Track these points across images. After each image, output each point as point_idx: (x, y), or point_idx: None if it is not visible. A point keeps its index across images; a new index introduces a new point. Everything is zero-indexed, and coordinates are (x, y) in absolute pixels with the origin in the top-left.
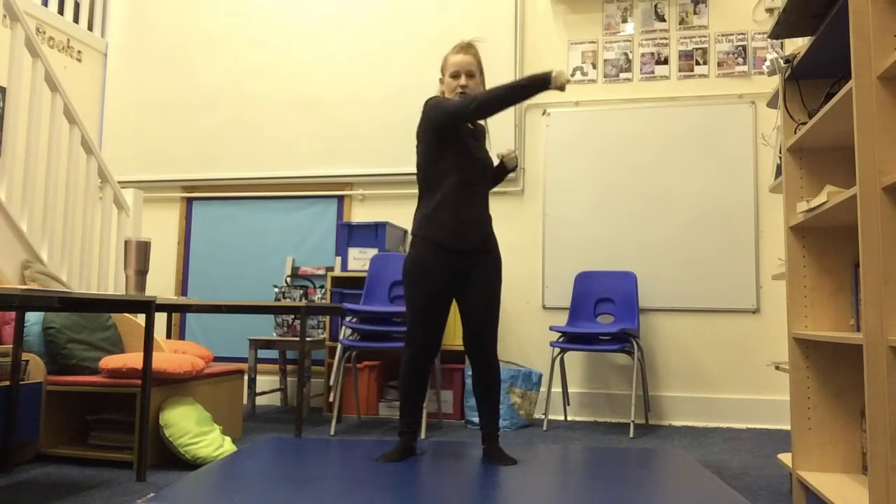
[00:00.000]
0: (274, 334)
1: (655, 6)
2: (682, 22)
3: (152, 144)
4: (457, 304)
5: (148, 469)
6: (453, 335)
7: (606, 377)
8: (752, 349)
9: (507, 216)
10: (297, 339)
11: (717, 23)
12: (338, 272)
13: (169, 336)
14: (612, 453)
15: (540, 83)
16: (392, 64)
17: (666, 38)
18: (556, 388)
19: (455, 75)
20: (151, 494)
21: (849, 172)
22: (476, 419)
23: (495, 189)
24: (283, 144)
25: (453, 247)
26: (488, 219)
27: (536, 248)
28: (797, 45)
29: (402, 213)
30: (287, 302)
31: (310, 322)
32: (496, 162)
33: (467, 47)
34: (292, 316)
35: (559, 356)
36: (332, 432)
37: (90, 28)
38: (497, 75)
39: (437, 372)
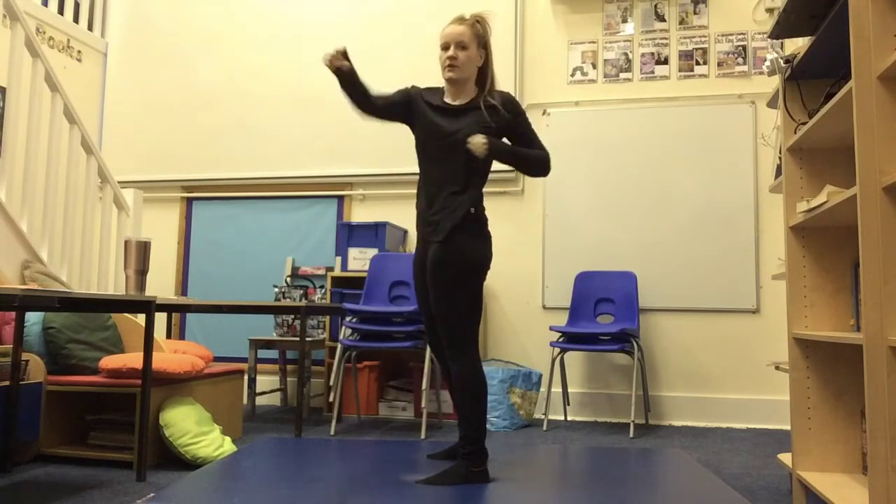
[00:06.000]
0: (274, 334)
1: (655, 6)
2: (682, 22)
3: (152, 144)
4: None
5: (148, 469)
6: None
7: (606, 377)
8: (752, 349)
9: (507, 216)
10: (297, 339)
11: (717, 23)
12: (338, 272)
13: (169, 336)
14: (612, 453)
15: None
16: (392, 63)
17: (666, 38)
18: (556, 388)
19: (444, 47)
20: (151, 494)
21: (849, 172)
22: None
23: (495, 189)
24: (283, 144)
25: (419, 235)
26: (460, 211)
27: (536, 248)
28: (797, 45)
29: (402, 213)
30: (287, 302)
31: (310, 322)
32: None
33: (461, 18)
34: (292, 316)
35: (559, 356)
36: (332, 432)
37: (90, 28)
38: (497, 75)
39: (436, 371)
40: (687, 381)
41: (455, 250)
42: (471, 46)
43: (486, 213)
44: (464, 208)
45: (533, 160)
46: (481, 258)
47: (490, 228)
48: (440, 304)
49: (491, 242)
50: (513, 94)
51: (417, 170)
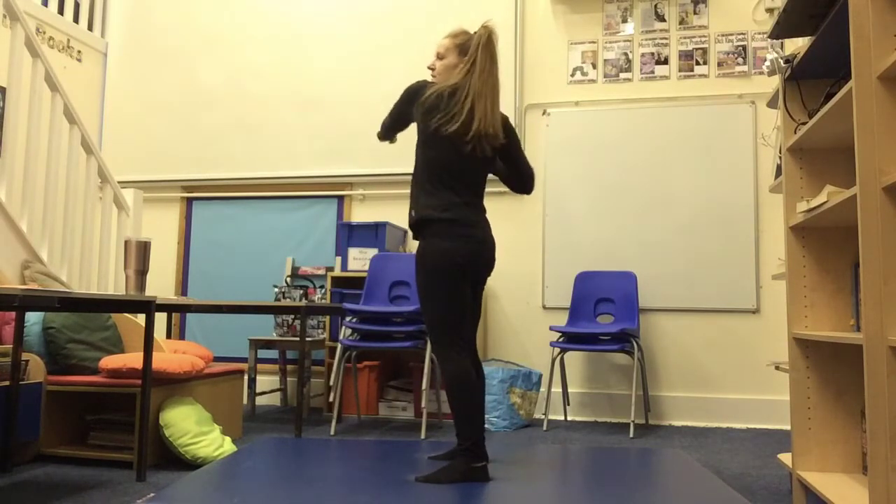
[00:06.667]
0: (274, 334)
1: (655, 6)
2: (682, 22)
3: (152, 144)
4: None
5: (148, 469)
6: None
7: (606, 377)
8: (752, 349)
9: (507, 216)
10: (297, 339)
11: (717, 23)
12: (338, 272)
13: (169, 336)
14: (612, 453)
15: None
16: (392, 64)
17: (666, 38)
18: (556, 388)
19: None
20: (151, 494)
21: (849, 172)
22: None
23: (495, 189)
24: (283, 144)
25: None
26: (415, 205)
27: (536, 248)
28: (797, 45)
29: (402, 213)
30: (287, 302)
31: (310, 322)
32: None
33: (450, 32)
34: (292, 316)
35: (559, 356)
36: (332, 432)
37: (90, 28)
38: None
39: (436, 371)
40: (687, 381)
41: (419, 250)
42: (448, 56)
43: (473, 213)
44: (415, 206)
45: None
46: (437, 260)
47: (474, 229)
48: (419, 302)
49: (461, 243)
50: (512, 93)
51: None
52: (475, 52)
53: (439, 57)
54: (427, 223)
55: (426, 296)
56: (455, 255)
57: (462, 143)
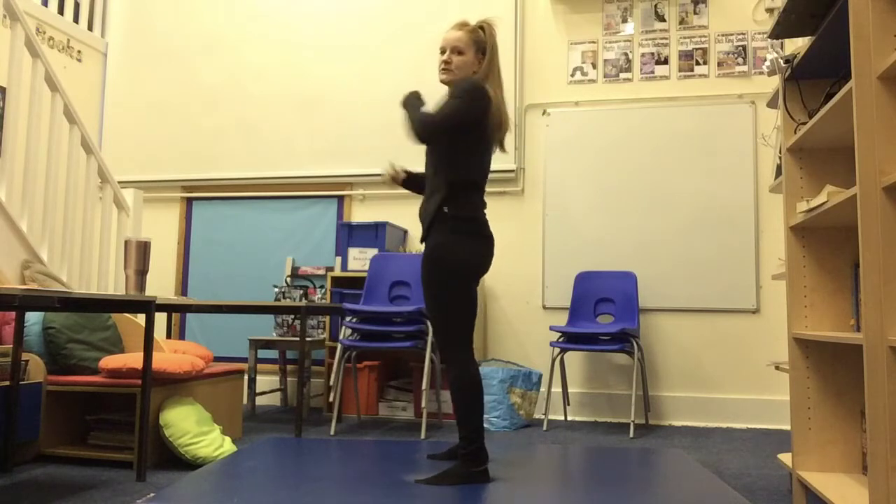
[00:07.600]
0: (274, 334)
1: (655, 6)
2: (682, 22)
3: (152, 144)
4: None
5: (148, 469)
6: None
7: (606, 377)
8: (752, 349)
9: (507, 216)
10: (297, 339)
11: (717, 23)
12: (338, 272)
13: (169, 336)
14: (612, 453)
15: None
16: (392, 64)
17: (666, 38)
18: (556, 388)
19: (441, 51)
20: (151, 494)
21: (849, 172)
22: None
23: (495, 189)
24: (283, 144)
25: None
26: (432, 207)
27: (536, 248)
28: (797, 45)
29: (402, 213)
30: (287, 302)
31: (310, 322)
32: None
33: (461, 24)
34: (292, 316)
35: (559, 356)
36: (332, 432)
37: (90, 28)
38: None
39: (437, 371)
40: (687, 381)
41: (437, 250)
42: (467, 52)
43: (485, 213)
44: (435, 205)
45: (410, 117)
46: (464, 259)
47: (490, 229)
48: (428, 304)
49: (484, 243)
50: (512, 93)
51: (417, 170)
52: (493, 51)
53: (459, 52)
54: (460, 221)
55: (440, 296)
56: (480, 255)
57: (495, 148)
